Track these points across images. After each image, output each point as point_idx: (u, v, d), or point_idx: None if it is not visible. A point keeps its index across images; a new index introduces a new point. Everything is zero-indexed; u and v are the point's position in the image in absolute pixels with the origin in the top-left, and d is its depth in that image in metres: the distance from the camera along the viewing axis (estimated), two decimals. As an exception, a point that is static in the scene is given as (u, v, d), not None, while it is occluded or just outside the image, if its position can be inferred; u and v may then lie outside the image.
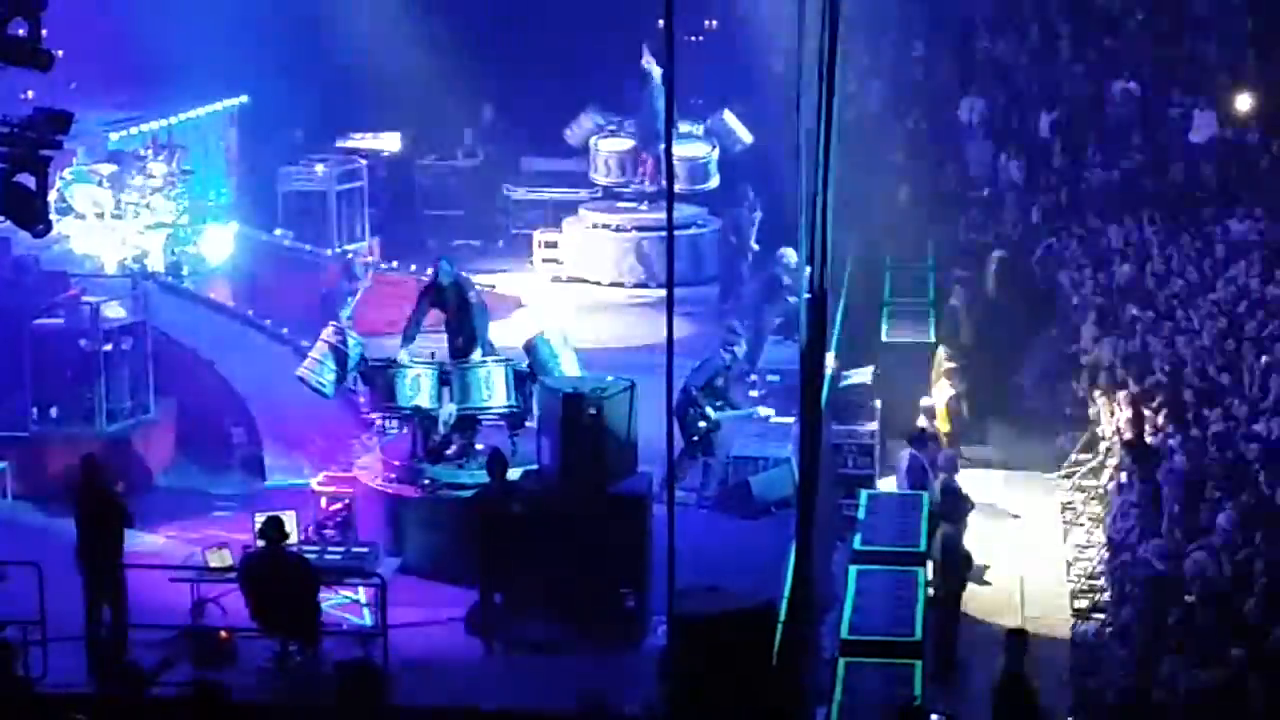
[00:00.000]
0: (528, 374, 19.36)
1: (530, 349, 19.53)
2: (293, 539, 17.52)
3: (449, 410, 19.28)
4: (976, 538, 20.50)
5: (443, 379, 19.30)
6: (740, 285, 27.02)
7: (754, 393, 22.75)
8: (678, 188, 28.28)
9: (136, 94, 28.83)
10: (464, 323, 19.74)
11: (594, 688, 15.19)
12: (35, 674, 16.10)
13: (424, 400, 19.27)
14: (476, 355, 19.54)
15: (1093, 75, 33.14)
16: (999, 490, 23.60)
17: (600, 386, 18.13)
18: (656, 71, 28.44)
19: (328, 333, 19.78)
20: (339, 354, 19.51)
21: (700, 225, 29.20)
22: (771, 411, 21.92)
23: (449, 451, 19.45)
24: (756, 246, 27.57)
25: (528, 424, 19.33)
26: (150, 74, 28.72)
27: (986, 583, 20.87)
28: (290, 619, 16.62)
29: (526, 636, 17.43)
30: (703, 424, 20.73)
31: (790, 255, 23.21)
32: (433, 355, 19.60)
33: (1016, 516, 23.05)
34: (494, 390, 19.34)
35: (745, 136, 29.50)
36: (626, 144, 29.92)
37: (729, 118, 29.53)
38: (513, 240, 31.01)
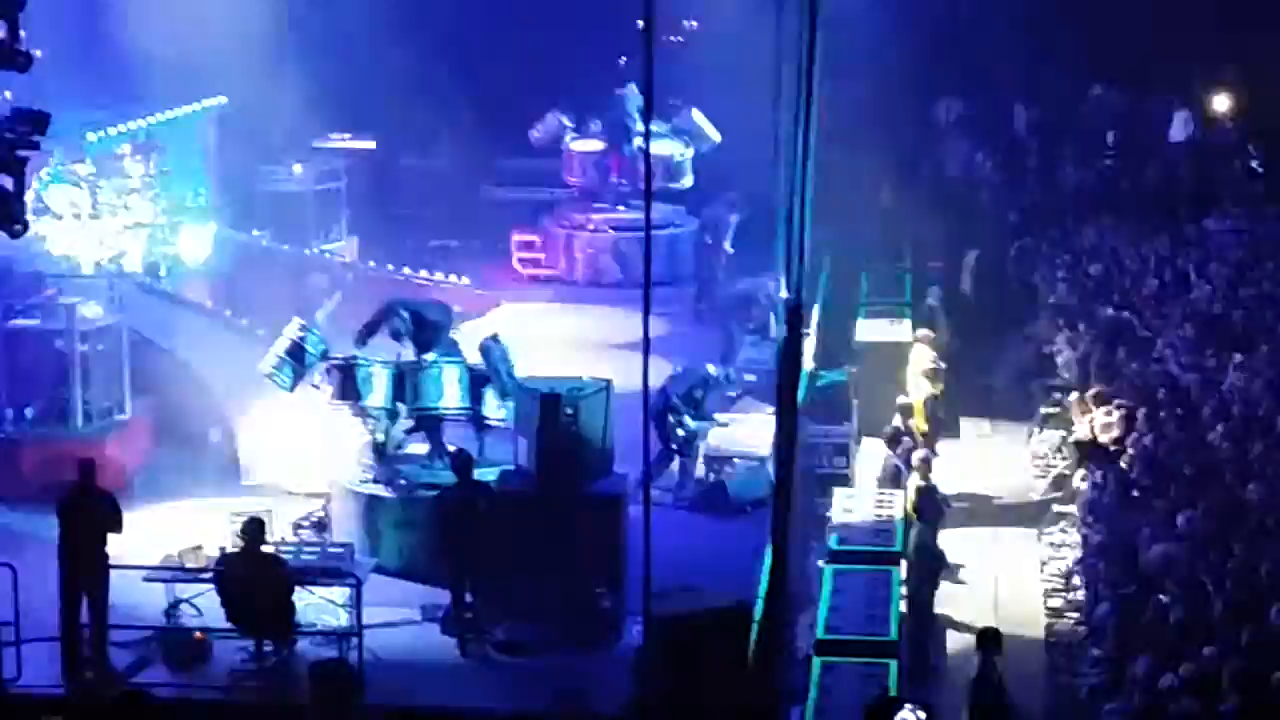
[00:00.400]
0: (484, 376, 19.39)
1: (483, 351, 19.54)
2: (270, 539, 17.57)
3: (401, 411, 19.39)
4: (950, 537, 20.54)
5: (399, 378, 19.35)
6: (716, 285, 27.05)
7: (731, 392, 22.75)
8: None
9: (115, 94, 28.78)
10: (421, 336, 19.81)
11: (571, 687, 15.23)
12: (9, 676, 16.10)
13: (378, 399, 19.33)
14: (430, 356, 19.58)
15: (1070, 75, 33.23)
16: (973, 489, 23.64)
17: (576, 387, 18.17)
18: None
19: (290, 329, 19.83)
20: (298, 350, 19.58)
21: (677, 225, 29.22)
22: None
23: (405, 450, 19.56)
24: (731, 249, 27.58)
25: (492, 424, 19.37)
26: (129, 74, 28.67)
27: (961, 582, 20.90)
28: (267, 619, 16.64)
29: (502, 636, 17.45)
30: (680, 432, 20.79)
31: (765, 289, 23.16)
32: (398, 355, 19.64)
33: (991, 516, 23.08)
34: (446, 391, 19.39)
35: (713, 135, 29.54)
36: (598, 145, 29.94)
37: (696, 116, 29.55)
38: (490, 239, 30.99)
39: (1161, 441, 20.80)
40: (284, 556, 17.35)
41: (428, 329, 19.79)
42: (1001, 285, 28.73)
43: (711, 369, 21.40)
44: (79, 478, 17.10)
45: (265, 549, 16.96)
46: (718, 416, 21.34)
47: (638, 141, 29.43)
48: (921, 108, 33.08)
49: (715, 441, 21.12)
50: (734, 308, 24.74)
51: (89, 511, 16.88)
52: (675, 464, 20.89)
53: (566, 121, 30.09)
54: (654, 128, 28.98)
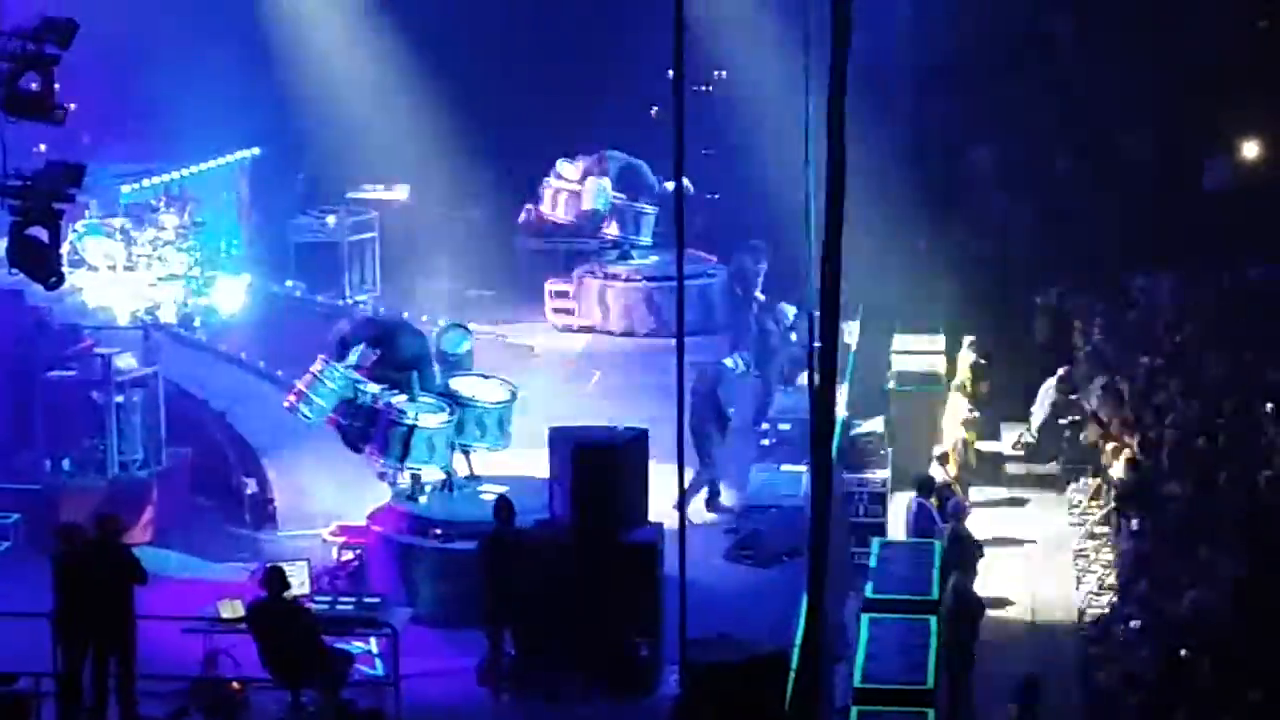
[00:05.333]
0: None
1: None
2: (297, 589, 17.59)
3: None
4: (988, 584, 20.48)
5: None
6: (748, 334, 27.05)
7: (765, 441, 22.76)
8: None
9: (149, 147, 28.97)
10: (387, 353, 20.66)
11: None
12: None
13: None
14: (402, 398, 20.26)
15: (1105, 122, 33.21)
16: (1011, 536, 23.60)
17: (612, 435, 18.17)
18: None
19: (315, 366, 20.02)
20: (318, 385, 19.90)
21: (710, 275, 29.21)
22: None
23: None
24: (762, 297, 27.59)
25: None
26: (162, 127, 28.87)
27: (999, 628, 20.79)
28: (297, 667, 16.58)
29: (539, 685, 17.41)
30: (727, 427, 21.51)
31: (788, 311, 23.46)
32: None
33: (1028, 563, 23.02)
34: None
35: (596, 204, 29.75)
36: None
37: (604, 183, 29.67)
38: (524, 289, 31.02)
39: (1201, 489, 20.74)
40: (310, 606, 17.35)
41: (389, 344, 20.34)
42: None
43: (729, 361, 21.99)
44: (99, 533, 16.82)
45: (289, 598, 16.93)
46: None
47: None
48: (955, 156, 33.00)
49: (752, 490, 21.19)
50: (757, 360, 24.68)
51: (110, 567, 16.70)
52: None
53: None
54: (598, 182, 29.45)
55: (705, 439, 21.43)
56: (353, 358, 20.39)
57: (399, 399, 20.05)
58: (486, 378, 21.05)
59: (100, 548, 16.70)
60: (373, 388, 20.07)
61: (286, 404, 20.22)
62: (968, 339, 27.26)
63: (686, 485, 20.46)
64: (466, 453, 20.48)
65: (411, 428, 19.81)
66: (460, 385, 20.63)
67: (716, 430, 21.61)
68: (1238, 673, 16.48)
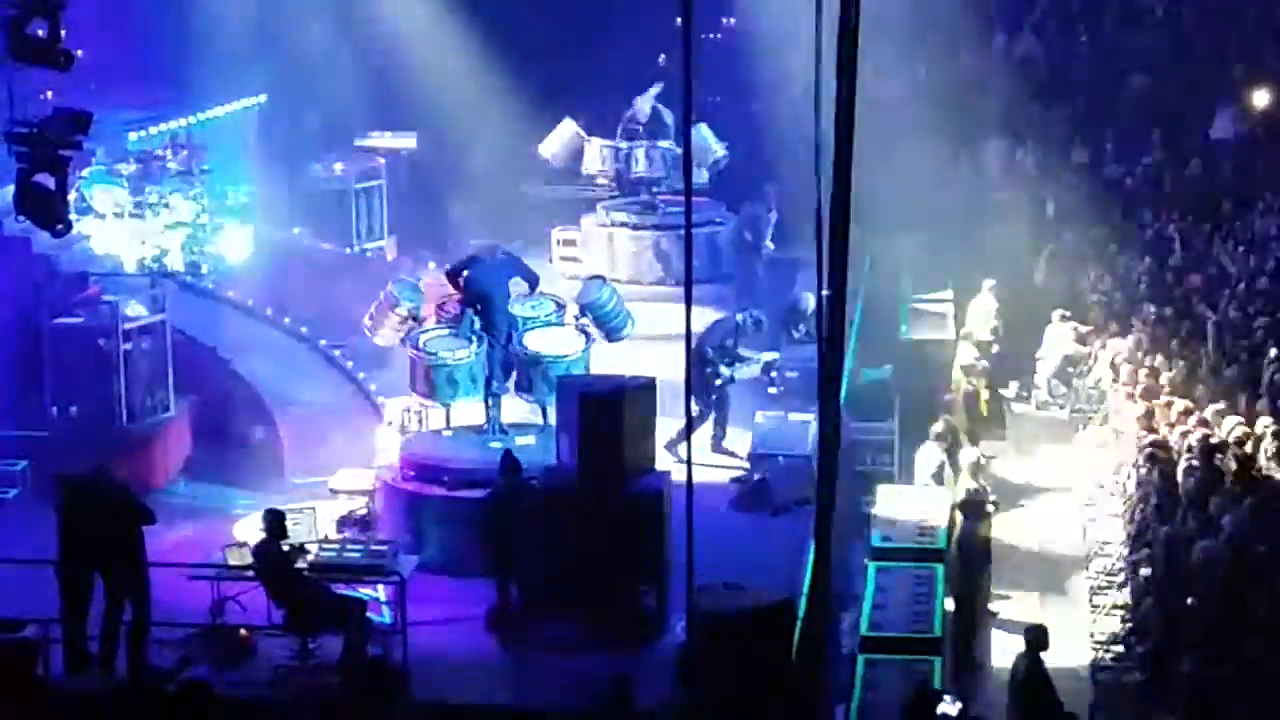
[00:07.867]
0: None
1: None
2: (305, 537, 17.66)
3: None
4: (995, 534, 20.48)
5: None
6: (756, 283, 26.98)
7: (772, 390, 22.73)
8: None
9: (156, 93, 28.89)
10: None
11: (618, 674, 15.17)
12: (55, 672, 16.14)
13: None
14: None
15: (1111, 70, 33.12)
16: (1019, 484, 23.60)
17: (619, 384, 18.15)
18: (666, 114, 28.96)
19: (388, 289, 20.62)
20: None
21: (718, 223, 29.08)
22: (776, 354, 22.58)
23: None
24: (771, 246, 27.52)
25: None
26: (170, 73, 28.77)
27: (1005, 578, 20.82)
28: (302, 611, 16.62)
29: (545, 634, 17.44)
30: (718, 381, 21.43)
31: (809, 301, 23.20)
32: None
33: (1036, 512, 23.03)
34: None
35: (718, 150, 29.05)
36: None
37: (704, 131, 28.89)
38: (532, 237, 30.91)
39: (1205, 438, 20.73)
40: (327, 552, 17.42)
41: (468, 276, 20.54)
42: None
43: (739, 316, 22.10)
44: (93, 481, 16.82)
45: (290, 545, 16.99)
46: (752, 353, 22.17)
47: (664, 142, 29.32)
48: (958, 105, 32.88)
49: (757, 438, 21.17)
50: (774, 331, 24.60)
51: (112, 512, 16.69)
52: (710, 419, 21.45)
53: (580, 133, 29.78)
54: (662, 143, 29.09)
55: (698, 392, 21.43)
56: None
57: (430, 333, 20.13)
58: (582, 333, 20.93)
59: (100, 493, 16.70)
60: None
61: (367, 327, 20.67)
62: (987, 282, 27.19)
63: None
64: (544, 407, 20.43)
65: (414, 361, 20.01)
66: (536, 338, 20.59)
67: (704, 385, 21.42)
68: (1243, 619, 16.50)
